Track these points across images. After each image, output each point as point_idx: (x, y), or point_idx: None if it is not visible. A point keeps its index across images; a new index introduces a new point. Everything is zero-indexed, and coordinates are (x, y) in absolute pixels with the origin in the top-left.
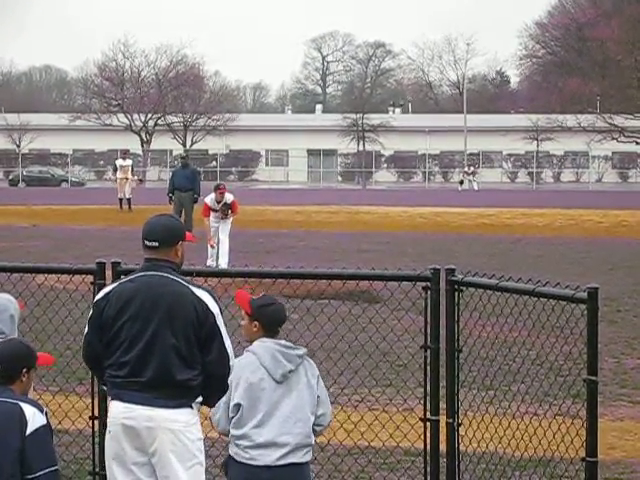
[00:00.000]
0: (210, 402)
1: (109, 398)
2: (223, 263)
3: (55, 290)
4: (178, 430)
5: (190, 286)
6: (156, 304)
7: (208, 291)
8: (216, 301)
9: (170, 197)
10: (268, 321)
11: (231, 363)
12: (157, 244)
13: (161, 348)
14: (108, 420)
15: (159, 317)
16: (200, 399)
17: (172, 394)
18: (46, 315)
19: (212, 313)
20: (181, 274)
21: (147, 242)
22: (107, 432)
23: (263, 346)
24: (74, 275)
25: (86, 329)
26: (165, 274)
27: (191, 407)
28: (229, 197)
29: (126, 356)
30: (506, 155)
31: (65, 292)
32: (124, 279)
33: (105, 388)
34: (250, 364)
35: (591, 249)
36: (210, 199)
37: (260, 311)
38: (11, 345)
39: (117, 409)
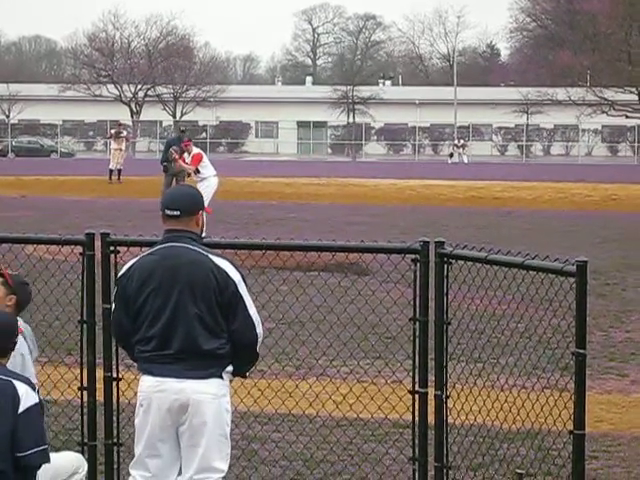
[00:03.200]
0: (241, 371)
1: (140, 373)
2: None
3: (44, 261)
4: (207, 402)
5: (209, 255)
6: (176, 275)
7: (228, 259)
8: (237, 269)
9: (165, 166)
10: (25, 300)
11: (258, 330)
12: (179, 213)
13: (185, 318)
14: (139, 394)
15: (180, 288)
16: (230, 368)
17: (201, 364)
18: (35, 286)
19: (233, 280)
20: None
21: (168, 211)
22: (138, 406)
23: None
24: (63, 246)
25: (113, 307)
26: (185, 244)
27: (221, 377)
28: (195, 150)
29: (152, 330)
30: (496, 128)
31: (54, 263)
32: (145, 252)
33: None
34: None
35: (580, 222)
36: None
37: (21, 288)
38: (3, 319)
39: (148, 383)
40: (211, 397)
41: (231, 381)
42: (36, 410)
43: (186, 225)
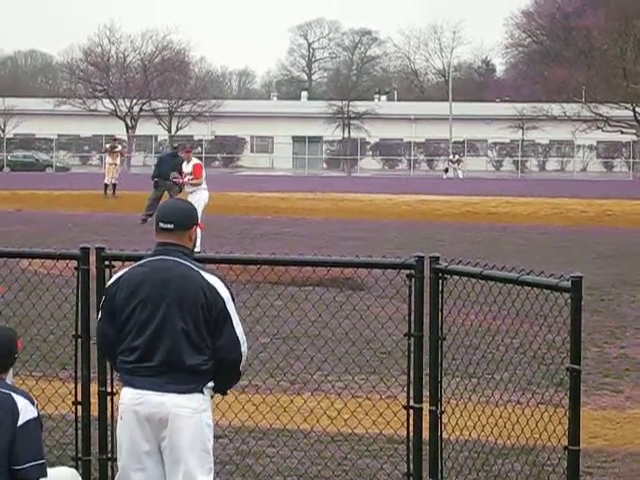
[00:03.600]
0: (222, 389)
1: (121, 384)
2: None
3: (39, 275)
4: (187, 416)
5: (200, 271)
6: (165, 288)
7: (219, 276)
8: (227, 286)
9: (156, 182)
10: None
11: (243, 349)
12: (172, 226)
13: (171, 332)
14: (120, 407)
15: (168, 301)
16: (212, 384)
17: (182, 379)
18: (30, 300)
19: (221, 298)
20: None
21: (162, 224)
22: (119, 418)
23: None
24: (58, 260)
25: (98, 316)
26: (176, 258)
27: (202, 392)
28: (194, 160)
29: (136, 341)
30: (491, 143)
31: (49, 277)
32: (136, 264)
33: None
34: None
35: (575, 238)
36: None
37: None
38: (3, 334)
39: (129, 395)
40: (191, 411)
41: (212, 397)
42: (35, 424)
43: (179, 239)
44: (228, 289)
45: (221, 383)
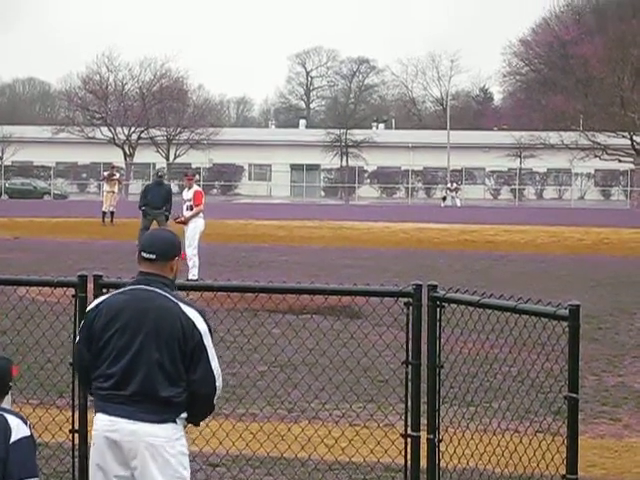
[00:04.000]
0: (194, 420)
1: (94, 410)
2: (190, 275)
3: (37, 303)
4: (160, 445)
5: (179, 303)
6: (144, 317)
7: (198, 309)
8: (205, 320)
9: (144, 210)
10: None
11: (217, 384)
12: (154, 256)
13: (146, 362)
14: (92, 432)
15: (146, 331)
16: (185, 415)
17: (156, 409)
18: (27, 328)
19: (199, 331)
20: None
21: (144, 254)
22: (91, 444)
23: None
24: (56, 288)
25: (77, 339)
26: (156, 289)
27: (175, 422)
28: (195, 187)
29: (112, 368)
30: (489, 172)
31: (47, 305)
32: (116, 291)
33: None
34: None
35: (573, 266)
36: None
37: None
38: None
39: (101, 422)
40: (164, 440)
41: (185, 426)
42: (27, 442)
43: (160, 269)
44: (206, 322)
45: (194, 415)
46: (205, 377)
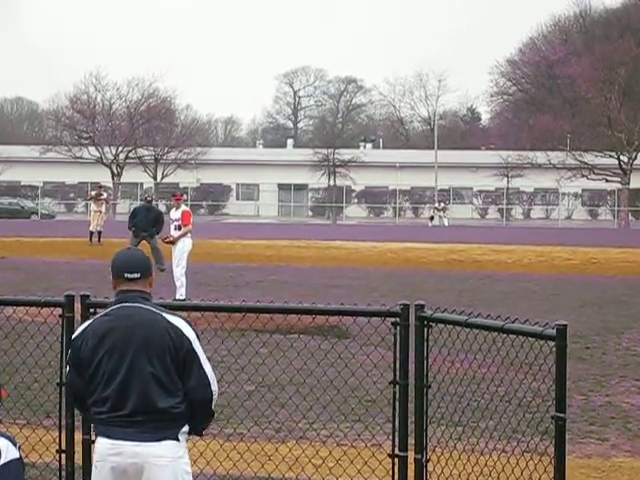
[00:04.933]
0: (197, 430)
1: (95, 435)
2: (178, 294)
3: (23, 322)
4: (164, 465)
5: (163, 313)
6: (131, 334)
7: (182, 317)
8: (191, 327)
9: (134, 231)
10: None
11: (213, 388)
12: (139, 275)
13: (140, 378)
14: (94, 456)
15: (135, 347)
16: (186, 429)
17: (156, 426)
18: (14, 347)
19: (187, 338)
20: None
21: (128, 274)
22: (94, 467)
23: None
24: (42, 307)
25: (67, 369)
26: (139, 304)
27: (178, 439)
28: (183, 207)
29: (107, 390)
30: (476, 191)
31: (33, 324)
32: (99, 314)
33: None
34: None
35: (560, 286)
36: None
37: None
38: None
39: (104, 446)
40: (168, 460)
41: (187, 440)
42: (16, 465)
43: (143, 286)
44: (193, 329)
45: (195, 424)
46: (200, 383)
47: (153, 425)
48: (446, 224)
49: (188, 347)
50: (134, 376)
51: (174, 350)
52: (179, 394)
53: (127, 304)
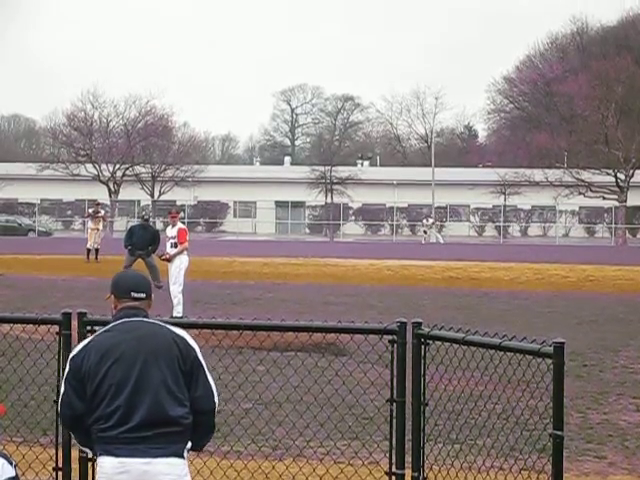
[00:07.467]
0: (199, 445)
1: (98, 454)
2: (175, 312)
3: (20, 340)
4: None
5: (167, 325)
6: (139, 345)
7: (184, 330)
8: (194, 339)
9: (129, 249)
10: None
11: (215, 400)
12: (145, 295)
13: (150, 387)
14: (100, 476)
15: (144, 356)
16: (189, 445)
17: (166, 438)
18: (11, 365)
19: (193, 348)
20: None
21: (135, 293)
22: None
23: None
24: (40, 325)
25: (62, 389)
26: (141, 318)
27: (183, 457)
28: (179, 225)
29: (114, 403)
30: (474, 209)
31: (31, 342)
32: (100, 331)
33: (84, 449)
34: None
35: (557, 303)
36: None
37: None
38: None
39: (109, 465)
40: (175, 478)
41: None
42: None
43: (146, 306)
44: (195, 341)
45: (198, 438)
46: (207, 392)
47: (162, 438)
48: (441, 241)
49: (194, 356)
50: (144, 385)
51: (182, 359)
52: (187, 404)
53: (131, 319)
